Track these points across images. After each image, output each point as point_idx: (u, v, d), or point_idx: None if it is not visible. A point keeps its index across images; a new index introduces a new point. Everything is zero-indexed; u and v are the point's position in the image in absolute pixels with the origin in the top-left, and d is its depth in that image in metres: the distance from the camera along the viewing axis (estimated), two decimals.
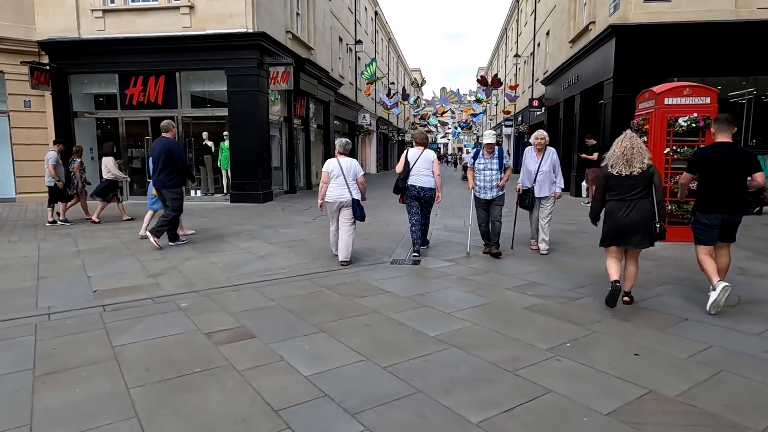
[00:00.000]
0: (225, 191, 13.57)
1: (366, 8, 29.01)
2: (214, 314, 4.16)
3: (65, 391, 2.84)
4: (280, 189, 15.15)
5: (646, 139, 7.10)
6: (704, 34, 11.23)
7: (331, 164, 5.99)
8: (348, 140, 6.21)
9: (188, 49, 12.38)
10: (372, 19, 30.84)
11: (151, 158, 7.34)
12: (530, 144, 6.72)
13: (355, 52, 25.35)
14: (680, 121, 7.02)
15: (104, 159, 9.45)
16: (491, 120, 44.95)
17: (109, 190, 9.45)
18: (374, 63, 24.19)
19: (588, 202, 12.28)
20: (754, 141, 12.36)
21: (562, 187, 6.55)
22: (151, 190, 7.42)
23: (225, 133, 13.11)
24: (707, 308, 4.13)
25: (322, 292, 4.81)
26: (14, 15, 12.73)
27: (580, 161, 13.06)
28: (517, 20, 30.51)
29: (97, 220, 9.25)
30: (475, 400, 2.70)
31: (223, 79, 12.62)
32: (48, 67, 12.75)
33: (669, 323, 3.88)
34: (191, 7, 12.36)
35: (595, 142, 12.10)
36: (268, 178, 13.65)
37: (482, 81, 27.95)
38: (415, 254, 6.35)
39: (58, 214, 9.28)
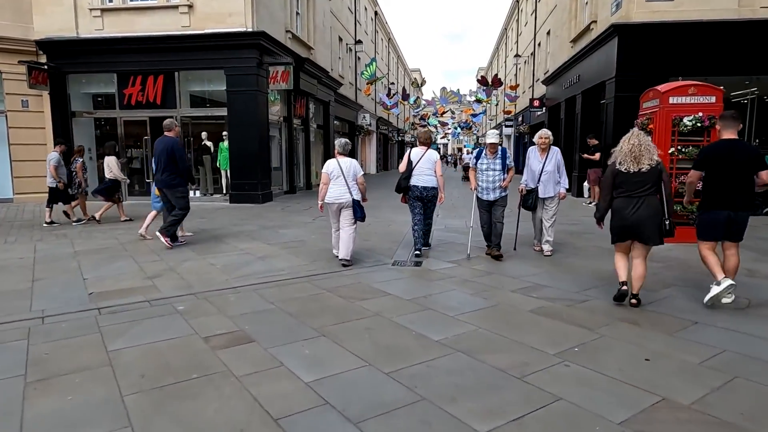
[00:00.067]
0: (224, 192, 13.48)
1: (366, 8, 28.93)
2: (212, 317, 4.06)
3: (57, 398, 2.74)
4: (279, 189, 15.05)
5: (650, 139, 7.00)
6: (707, 33, 11.14)
7: (330, 165, 5.91)
8: (347, 140, 6.13)
9: (187, 48, 12.27)
10: (372, 19, 30.75)
11: (153, 158, 7.26)
12: (533, 144, 6.62)
13: (355, 52, 25.26)
14: (685, 120, 6.93)
15: (107, 158, 9.37)
16: (491, 120, 44.89)
17: (113, 190, 9.39)
18: (374, 63, 24.10)
19: (590, 203, 12.19)
20: (756, 141, 12.26)
21: (567, 187, 6.45)
22: (155, 190, 7.34)
23: (224, 133, 13.01)
24: (704, 300, 4.20)
25: (323, 295, 4.71)
26: (12, 14, 12.63)
27: (582, 161, 12.98)
28: (518, 20, 30.44)
29: (99, 219, 9.21)
30: (481, 408, 2.60)
31: (222, 79, 12.52)
32: (46, 67, 12.65)
33: (678, 327, 3.79)
34: (190, 6, 12.26)
35: (597, 142, 12.01)
36: (268, 178, 13.55)
37: (482, 81, 27.86)
38: (417, 251, 6.29)
39: (66, 214, 9.26)
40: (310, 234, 8.10)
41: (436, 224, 7.00)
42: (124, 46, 12.39)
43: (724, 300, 4.31)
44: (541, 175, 6.30)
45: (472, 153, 31.97)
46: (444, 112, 34.34)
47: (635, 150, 4.19)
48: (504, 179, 6.11)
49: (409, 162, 6.27)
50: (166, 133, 6.99)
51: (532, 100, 22.81)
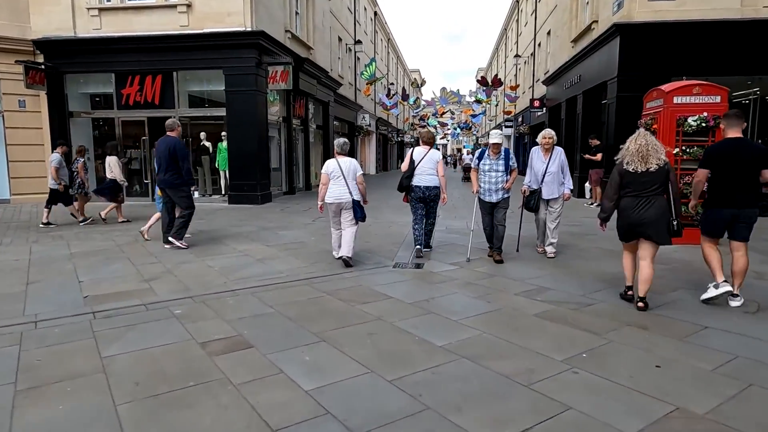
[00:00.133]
0: (223, 192, 13.37)
1: (365, 8, 28.84)
2: (210, 322, 3.96)
3: (48, 408, 2.64)
4: (278, 190, 14.94)
5: (657, 139, 6.92)
6: (709, 33, 11.07)
7: (330, 165, 5.84)
8: (346, 140, 6.06)
9: (185, 48, 12.17)
10: (371, 20, 30.66)
11: (155, 158, 7.17)
12: (536, 144, 6.53)
13: (355, 52, 25.17)
14: (690, 120, 6.84)
15: (108, 158, 9.28)
16: (491, 121, 44.81)
17: (117, 190, 9.31)
18: (374, 63, 24.00)
19: (591, 204, 12.10)
20: (759, 141, 12.19)
21: (571, 188, 6.35)
22: (158, 190, 7.26)
23: (223, 133, 12.91)
24: (701, 298, 4.36)
25: (323, 298, 4.61)
26: (9, 13, 12.51)
27: (583, 162, 12.90)
28: (517, 20, 30.37)
29: (104, 218, 9.21)
30: (489, 418, 2.50)
31: (221, 79, 12.42)
32: (43, 67, 12.54)
33: (688, 331, 3.69)
34: (188, 6, 12.16)
35: (598, 142, 11.93)
36: (267, 179, 13.45)
37: (482, 81, 27.77)
38: (418, 247, 6.25)
39: (74, 216, 9.21)
40: (310, 235, 8.00)
41: (437, 225, 6.88)
42: (122, 46, 12.28)
43: (733, 303, 4.25)
44: (544, 176, 6.20)
45: (472, 153, 31.93)
46: (444, 113, 34.24)
47: (642, 150, 4.17)
48: (507, 181, 6.01)
49: (412, 161, 6.20)
50: (168, 133, 6.91)
51: (532, 100, 22.73)
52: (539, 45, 22.91)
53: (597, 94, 14.12)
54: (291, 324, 3.91)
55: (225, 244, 7.27)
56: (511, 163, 6.05)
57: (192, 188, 6.96)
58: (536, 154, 6.37)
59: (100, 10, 12.50)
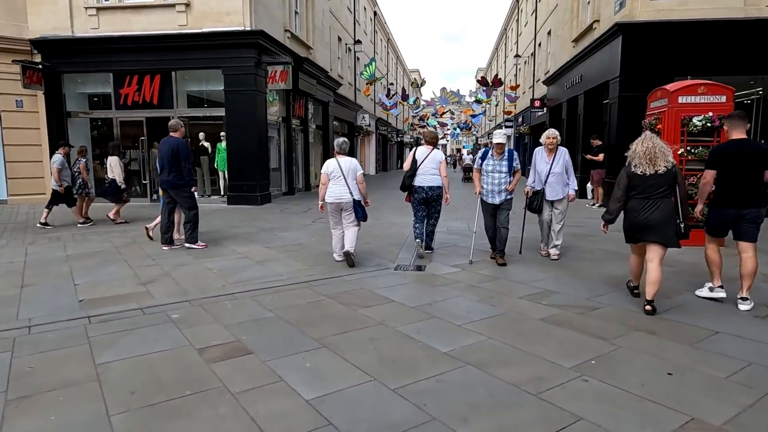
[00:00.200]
0: (222, 193, 13.28)
1: (365, 8, 28.74)
2: (208, 327, 3.86)
3: (39, 418, 2.55)
4: (278, 191, 14.84)
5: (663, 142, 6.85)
6: (712, 32, 10.96)
7: (330, 165, 5.76)
8: (345, 139, 5.99)
9: (184, 47, 12.05)
10: (371, 20, 30.56)
11: (158, 158, 7.08)
12: (539, 144, 6.43)
13: (354, 52, 25.07)
14: (695, 120, 6.75)
15: (110, 159, 9.18)
16: (491, 121, 44.73)
17: (122, 191, 9.23)
18: (374, 63, 23.88)
19: (593, 204, 12.01)
20: (762, 141, 12.11)
21: (576, 189, 6.25)
22: (161, 191, 7.18)
23: (222, 133, 12.80)
24: (695, 293, 4.57)
25: (324, 302, 4.52)
26: (6, 13, 12.40)
27: (585, 162, 12.81)
28: (518, 20, 30.27)
29: (114, 218, 9.21)
30: (496, 429, 2.41)
31: (220, 79, 12.31)
32: (40, 66, 12.41)
33: (699, 337, 3.60)
34: (187, 5, 12.05)
35: (600, 142, 11.84)
36: (266, 179, 13.34)
37: (482, 81, 27.67)
38: (418, 240, 6.19)
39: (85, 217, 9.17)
40: (310, 237, 7.90)
41: (438, 226, 6.78)
42: (120, 46, 12.17)
43: (743, 307, 4.18)
44: (548, 176, 6.10)
45: (472, 153, 31.81)
46: (443, 113, 34.13)
47: (650, 152, 4.14)
48: (510, 182, 5.91)
49: (414, 161, 6.12)
50: (171, 134, 6.82)
51: (532, 100, 22.64)
52: (539, 45, 22.81)
53: (598, 93, 14.02)
54: (291, 329, 3.81)
55: (224, 245, 7.17)
56: (514, 164, 5.94)
57: (192, 189, 6.86)
58: (540, 155, 6.27)
59: (98, 9, 12.38)
